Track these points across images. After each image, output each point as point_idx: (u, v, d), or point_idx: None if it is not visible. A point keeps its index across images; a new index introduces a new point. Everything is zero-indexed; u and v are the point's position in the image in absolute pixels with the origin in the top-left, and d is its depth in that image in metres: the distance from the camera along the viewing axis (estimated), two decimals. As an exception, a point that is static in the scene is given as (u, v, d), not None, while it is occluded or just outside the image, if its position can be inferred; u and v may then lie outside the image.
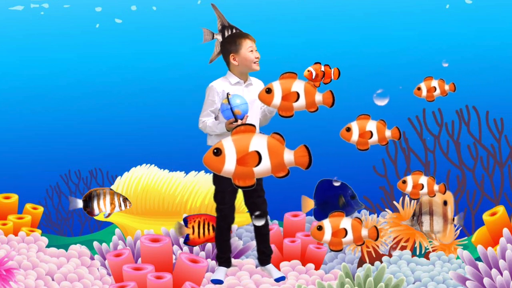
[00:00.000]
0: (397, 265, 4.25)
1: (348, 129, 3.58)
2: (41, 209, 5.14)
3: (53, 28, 7.49)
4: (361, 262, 4.44)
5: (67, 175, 7.15)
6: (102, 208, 4.03)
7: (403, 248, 4.46)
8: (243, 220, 4.85)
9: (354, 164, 6.76)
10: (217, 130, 3.96)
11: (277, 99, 3.25)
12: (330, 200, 3.57)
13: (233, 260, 4.24)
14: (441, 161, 5.85)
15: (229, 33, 3.98)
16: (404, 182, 3.80)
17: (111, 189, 4.12)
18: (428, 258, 4.39)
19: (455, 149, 5.86)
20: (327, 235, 3.38)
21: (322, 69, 3.52)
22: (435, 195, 3.84)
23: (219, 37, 3.97)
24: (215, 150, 2.77)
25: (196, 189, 5.23)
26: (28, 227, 4.82)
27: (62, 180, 7.17)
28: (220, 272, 4.10)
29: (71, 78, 7.43)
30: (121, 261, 4.00)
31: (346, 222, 3.40)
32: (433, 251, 4.47)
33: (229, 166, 2.78)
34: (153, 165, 5.35)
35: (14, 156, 7.29)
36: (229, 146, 2.78)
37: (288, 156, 2.86)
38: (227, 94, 3.81)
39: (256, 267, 4.23)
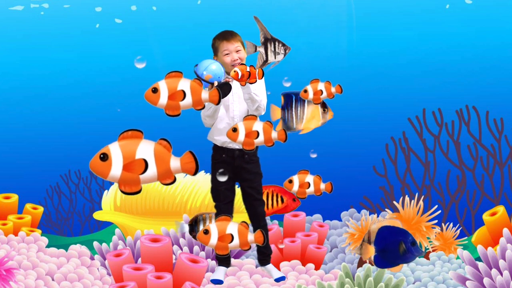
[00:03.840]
0: (397, 265, 4.25)
1: (235, 130, 3.61)
2: (41, 209, 5.14)
3: (53, 28, 7.49)
4: (361, 262, 4.44)
5: (67, 175, 7.15)
6: None
7: (403, 248, 4.46)
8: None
9: (354, 164, 6.76)
10: (205, 111, 3.94)
11: (163, 98, 3.24)
12: (390, 247, 3.56)
13: (233, 260, 4.24)
14: (441, 161, 5.85)
15: (272, 45, 3.99)
16: (291, 181, 3.82)
17: (207, 214, 4.17)
18: (428, 258, 4.40)
19: (455, 149, 5.86)
20: (213, 239, 3.39)
21: (248, 69, 3.55)
22: (321, 194, 3.87)
23: (261, 50, 3.98)
24: (101, 155, 2.76)
25: (196, 189, 5.24)
26: (28, 227, 4.82)
27: (62, 180, 7.17)
28: (220, 272, 4.10)
29: (71, 78, 7.43)
30: (121, 261, 4.00)
31: (232, 227, 3.41)
32: (433, 251, 4.47)
33: (115, 171, 2.77)
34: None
35: (14, 156, 7.29)
36: (115, 151, 2.76)
37: (175, 163, 2.87)
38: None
39: (256, 267, 4.23)
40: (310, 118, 3.98)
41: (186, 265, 3.94)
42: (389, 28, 7.19)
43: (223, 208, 4.09)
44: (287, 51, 4.02)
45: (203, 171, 5.27)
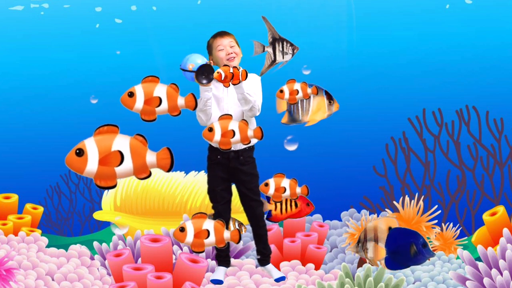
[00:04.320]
0: (397, 265, 4.25)
1: (211, 129, 3.61)
2: (41, 209, 5.14)
3: (53, 28, 7.49)
4: (361, 262, 4.44)
5: (67, 175, 7.15)
6: None
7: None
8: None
9: (354, 164, 6.76)
10: (199, 105, 3.93)
11: (139, 103, 3.25)
12: (401, 249, 3.56)
13: (233, 260, 4.24)
14: (441, 161, 5.85)
15: (280, 45, 4.00)
16: (267, 185, 3.83)
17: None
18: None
19: (455, 149, 5.86)
20: (189, 237, 3.40)
21: (231, 70, 3.55)
22: (297, 197, 3.87)
23: (269, 50, 3.99)
24: (77, 151, 2.77)
25: (196, 189, 5.24)
26: (28, 227, 4.82)
27: (62, 180, 7.17)
28: (220, 272, 4.10)
29: (71, 78, 7.43)
30: (121, 261, 4.00)
31: (208, 224, 3.41)
32: (433, 251, 4.48)
33: (91, 166, 2.77)
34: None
35: (14, 156, 7.28)
36: (91, 146, 2.77)
37: (151, 158, 2.88)
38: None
39: (256, 267, 4.23)
40: (316, 110, 3.98)
41: (186, 265, 3.94)
42: (389, 28, 7.18)
43: (221, 208, 4.09)
44: (295, 51, 4.02)
45: (203, 171, 5.27)
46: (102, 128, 2.82)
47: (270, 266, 4.17)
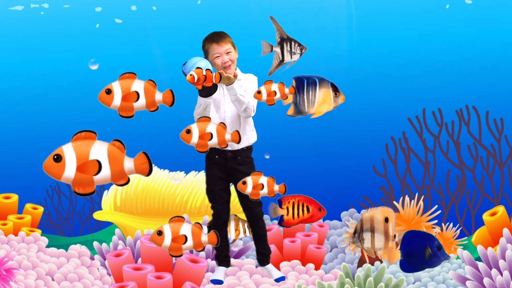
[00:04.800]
0: (397, 265, 4.25)
1: (188, 131, 3.62)
2: (41, 209, 5.14)
3: (53, 28, 7.49)
4: (361, 262, 4.44)
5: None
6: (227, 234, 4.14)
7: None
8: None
9: (354, 164, 6.76)
10: (196, 109, 3.94)
11: (117, 99, 3.26)
12: (416, 251, 3.56)
13: (233, 260, 4.24)
14: (441, 161, 5.85)
15: (288, 45, 4.00)
16: (244, 183, 3.84)
17: (235, 216, 4.18)
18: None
19: (455, 149, 5.86)
20: (167, 241, 3.40)
21: (204, 73, 3.56)
22: (275, 195, 3.88)
23: (277, 50, 3.99)
24: (55, 156, 2.77)
25: (196, 189, 5.24)
26: (28, 227, 4.82)
27: (62, 180, 7.16)
28: (220, 272, 4.10)
29: (71, 78, 7.43)
30: (121, 261, 4.00)
31: (186, 228, 3.42)
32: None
33: (69, 172, 2.78)
34: (153, 165, 5.35)
35: (14, 156, 7.28)
36: (69, 152, 2.77)
37: (128, 164, 2.88)
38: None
39: (256, 267, 4.23)
40: (321, 102, 3.98)
41: (186, 265, 3.94)
42: (389, 28, 7.18)
43: (219, 208, 4.09)
44: (303, 51, 4.02)
45: (203, 171, 5.28)
46: (80, 134, 2.83)
47: (270, 266, 4.17)
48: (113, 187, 5.25)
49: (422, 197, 4.66)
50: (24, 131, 7.44)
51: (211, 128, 3.60)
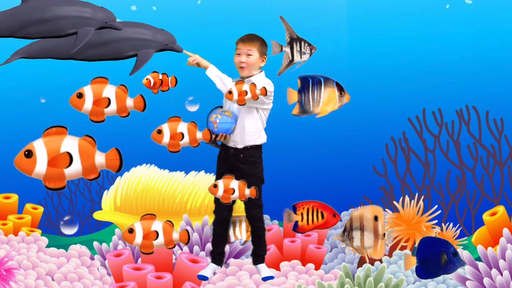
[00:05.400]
0: (397, 265, 4.25)
1: (159, 131, 3.63)
2: (41, 209, 5.14)
3: (53, 28, 7.47)
4: (361, 262, 4.44)
5: (67, 175, 7.14)
6: (238, 235, 4.14)
7: (403, 248, 4.47)
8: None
9: (354, 164, 6.76)
10: None
11: (88, 104, 3.27)
12: (432, 258, 3.56)
13: (233, 260, 4.24)
14: (441, 161, 5.85)
15: (298, 45, 4.01)
16: (215, 186, 3.84)
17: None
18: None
19: (455, 149, 5.86)
20: (138, 238, 3.41)
21: (160, 77, 3.57)
22: (246, 199, 3.89)
23: (287, 50, 4.00)
24: (26, 152, 2.79)
25: (196, 189, 5.24)
26: (28, 227, 4.82)
27: (62, 180, 7.16)
28: (208, 269, 4.08)
29: (71, 78, 7.42)
30: (121, 261, 4.01)
31: (157, 225, 3.42)
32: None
33: (40, 168, 2.79)
34: (153, 165, 5.35)
35: (14, 156, 7.27)
36: (40, 148, 2.78)
37: (99, 158, 2.89)
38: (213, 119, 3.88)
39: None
40: (327, 102, 3.98)
41: (186, 265, 3.94)
42: (389, 28, 7.18)
43: (219, 205, 4.07)
44: (313, 50, 4.03)
45: (203, 171, 5.28)
46: (51, 129, 2.84)
47: (261, 266, 4.14)
48: (113, 187, 5.25)
49: (422, 197, 4.66)
50: (24, 131, 7.43)
51: (182, 127, 3.61)
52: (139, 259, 4.18)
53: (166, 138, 3.61)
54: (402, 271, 4.16)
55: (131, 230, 3.41)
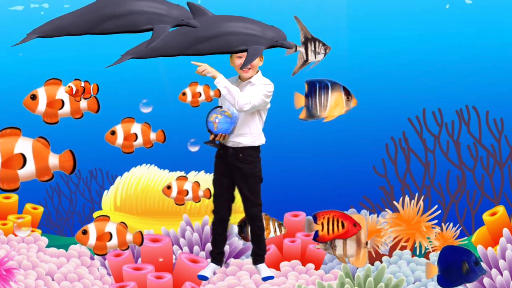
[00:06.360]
0: (397, 265, 4.25)
1: (113, 133, 3.63)
2: (41, 209, 5.14)
3: (53, 28, 7.47)
4: (361, 262, 4.44)
5: (67, 175, 7.14)
6: (276, 231, 4.16)
7: (403, 248, 4.46)
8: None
9: (354, 164, 6.76)
10: None
11: (41, 105, 3.27)
12: (454, 266, 3.56)
13: (233, 260, 4.24)
14: (441, 161, 5.85)
15: (312, 45, 4.01)
16: (169, 187, 3.84)
17: (266, 214, 4.17)
18: (428, 258, 4.40)
19: (455, 149, 5.86)
20: (92, 239, 3.41)
21: (82, 85, 3.57)
22: (200, 200, 3.90)
23: (302, 50, 4.00)
24: None
25: (196, 189, 5.23)
26: (28, 226, 4.82)
27: (62, 180, 7.16)
28: (208, 269, 4.08)
29: (71, 78, 7.43)
30: (121, 261, 4.01)
31: (111, 226, 3.42)
32: (433, 251, 4.48)
33: None
34: (153, 165, 5.35)
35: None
36: None
37: (53, 160, 2.90)
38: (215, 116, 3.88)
39: (256, 266, 4.23)
40: (334, 106, 3.98)
41: (186, 265, 3.94)
42: (389, 28, 7.19)
43: (217, 204, 4.07)
44: (327, 50, 4.03)
45: (203, 171, 5.27)
46: (5, 131, 2.85)
47: (261, 265, 4.14)
48: (113, 187, 5.25)
49: (422, 197, 4.66)
50: (24, 131, 7.44)
51: (136, 128, 3.62)
52: (139, 259, 4.18)
53: (120, 139, 3.62)
54: (402, 271, 4.16)
55: (84, 232, 3.41)
